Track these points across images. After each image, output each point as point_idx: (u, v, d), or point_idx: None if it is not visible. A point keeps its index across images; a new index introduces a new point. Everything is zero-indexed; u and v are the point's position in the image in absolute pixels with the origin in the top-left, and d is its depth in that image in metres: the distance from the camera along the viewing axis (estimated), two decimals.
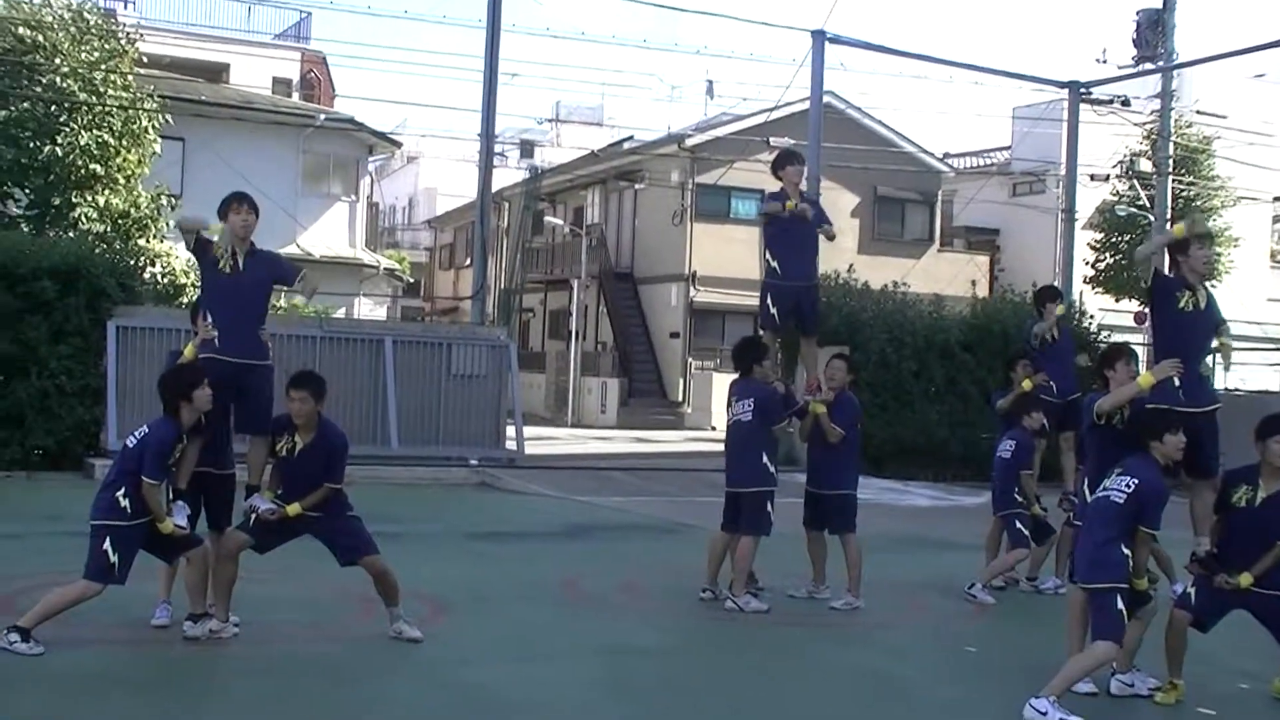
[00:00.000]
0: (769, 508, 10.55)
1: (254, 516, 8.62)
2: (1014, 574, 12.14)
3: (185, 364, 8.74)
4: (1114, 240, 38.97)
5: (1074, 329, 21.53)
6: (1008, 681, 8.36)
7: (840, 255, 28.30)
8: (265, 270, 9.06)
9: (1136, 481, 7.77)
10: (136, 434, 8.25)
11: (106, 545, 7.99)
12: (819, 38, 24.79)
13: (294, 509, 8.57)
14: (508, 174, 50.02)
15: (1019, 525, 11.65)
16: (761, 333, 11.95)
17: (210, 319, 8.87)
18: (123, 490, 8.03)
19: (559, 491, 18.99)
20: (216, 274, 8.85)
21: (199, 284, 10.26)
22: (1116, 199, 38.68)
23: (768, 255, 11.55)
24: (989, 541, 12.21)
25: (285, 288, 9.39)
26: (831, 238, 11.60)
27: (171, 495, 8.34)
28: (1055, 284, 13.42)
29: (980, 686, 8.56)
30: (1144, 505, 7.76)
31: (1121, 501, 7.77)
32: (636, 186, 42.52)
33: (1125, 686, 8.19)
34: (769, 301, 11.42)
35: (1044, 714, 7.38)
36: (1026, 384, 12.36)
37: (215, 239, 8.86)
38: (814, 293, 11.81)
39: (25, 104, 24.58)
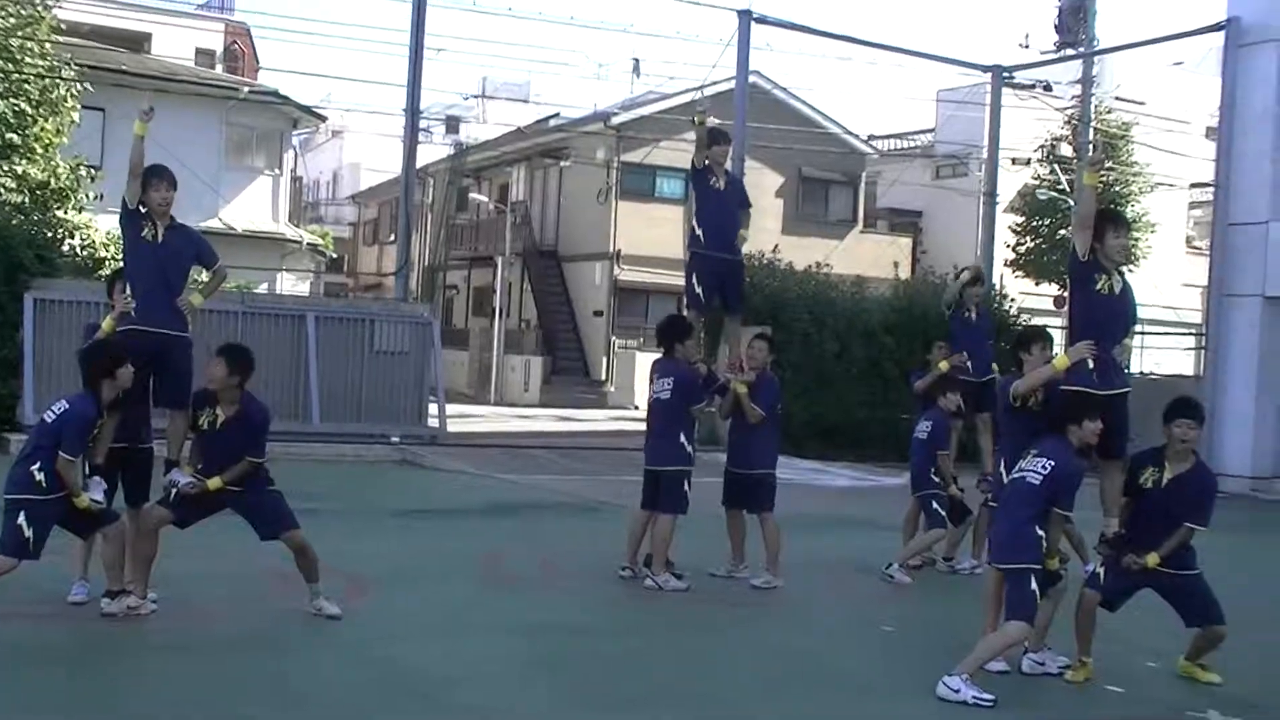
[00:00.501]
0: (686, 486, 10.62)
1: (174, 491, 8.58)
2: (931, 554, 12.28)
3: (107, 340, 8.67)
4: (1035, 224, 39.43)
5: (994, 311, 21.80)
6: (923, 660, 8.47)
7: (764, 235, 28.47)
8: (185, 242, 9.01)
9: (1052, 464, 7.92)
10: (55, 409, 8.16)
11: (21, 520, 7.91)
12: (745, 17, 24.84)
13: (215, 483, 8.54)
14: (433, 150, 49.75)
15: (936, 506, 11.74)
16: (687, 312, 12.00)
17: (129, 290, 8.82)
18: (38, 465, 7.95)
19: (481, 469, 18.99)
20: (139, 241, 8.80)
21: (119, 256, 10.21)
22: (1038, 183, 39.11)
23: (694, 222, 11.61)
24: (907, 522, 12.34)
25: (202, 268, 9.36)
26: (747, 220, 11.68)
27: (88, 470, 8.27)
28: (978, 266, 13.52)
29: (896, 665, 8.67)
30: (1059, 487, 7.91)
31: (1037, 483, 7.91)
32: (562, 164, 42.47)
33: (1037, 665, 8.33)
34: (694, 279, 11.45)
35: (956, 691, 7.51)
36: (943, 365, 12.50)
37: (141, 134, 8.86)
38: (739, 270, 11.86)
39: None
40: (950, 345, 12.74)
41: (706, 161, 11.33)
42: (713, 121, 11.98)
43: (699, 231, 11.45)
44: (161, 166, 9.00)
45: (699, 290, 11.42)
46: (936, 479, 11.82)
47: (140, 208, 8.81)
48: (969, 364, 12.55)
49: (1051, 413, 8.33)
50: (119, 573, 8.42)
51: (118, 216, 9.09)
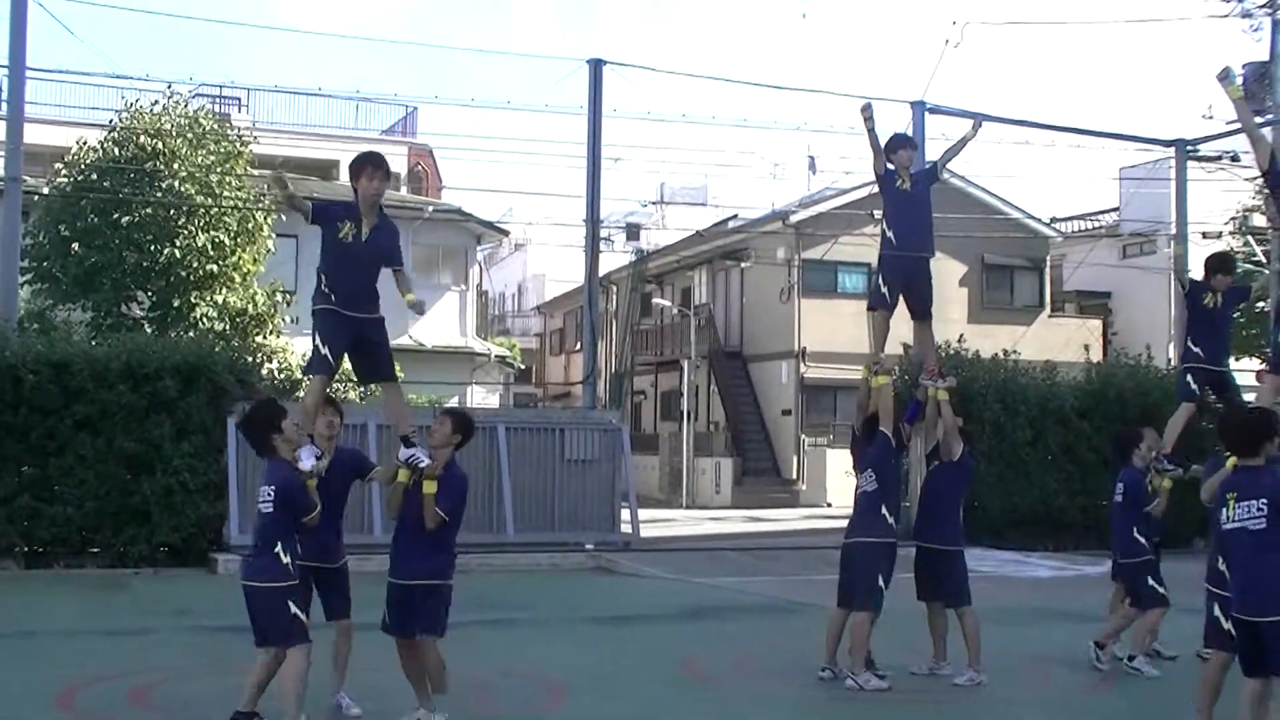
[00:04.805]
0: (881, 582, 10.39)
1: (416, 463, 8.70)
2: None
3: (262, 401, 8.85)
4: None
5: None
6: None
7: (949, 325, 28.14)
8: (386, 240, 9.00)
9: (1266, 500, 7.39)
10: (266, 494, 8.07)
11: (289, 605, 7.98)
12: (919, 108, 24.89)
13: (429, 487, 8.71)
14: (614, 257, 50.40)
15: (1152, 582, 11.01)
16: (871, 313, 11.64)
17: (322, 280, 8.81)
18: (280, 546, 7.97)
19: (675, 573, 18.97)
20: (338, 241, 8.79)
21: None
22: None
23: (884, 227, 11.44)
24: (1113, 604, 11.86)
25: (390, 268, 9.25)
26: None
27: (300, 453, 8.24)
28: (1226, 252, 12.79)
29: None
30: None
31: (1263, 526, 7.37)
32: (743, 265, 42.66)
33: None
34: (880, 278, 11.29)
35: None
36: (1166, 483, 11.45)
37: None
38: (927, 269, 11.53)
39: (147, 209, 25.31)
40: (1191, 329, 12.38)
41: (890, 165, 11.26)
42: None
43: (889, 234, 11.27)
44: (378, 155, 9.07)
45: (885, 290, 11.20)
46: (1142, 540, 11.13)
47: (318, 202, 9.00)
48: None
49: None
50: (257, 693, 8.18)
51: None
